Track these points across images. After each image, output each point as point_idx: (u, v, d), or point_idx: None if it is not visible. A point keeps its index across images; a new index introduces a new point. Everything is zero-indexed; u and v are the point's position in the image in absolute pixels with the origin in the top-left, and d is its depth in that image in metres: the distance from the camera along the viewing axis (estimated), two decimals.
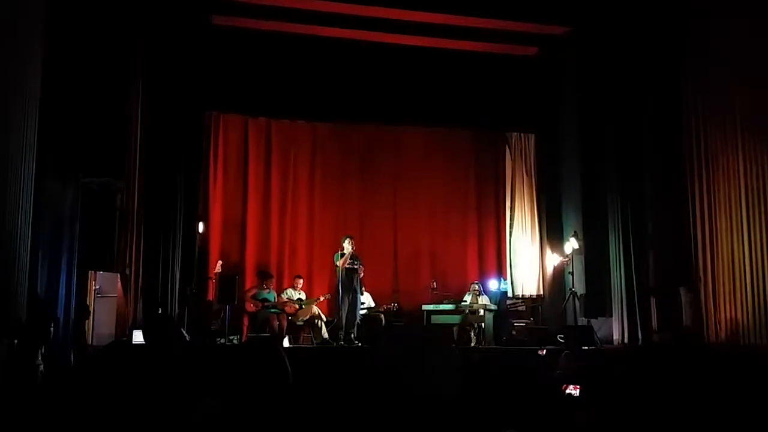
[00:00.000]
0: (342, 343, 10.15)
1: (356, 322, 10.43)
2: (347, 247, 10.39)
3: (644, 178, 10.52)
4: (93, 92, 7.98)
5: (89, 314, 8.29)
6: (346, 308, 10.27)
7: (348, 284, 10.30)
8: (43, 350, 6.24)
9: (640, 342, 9.99)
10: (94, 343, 8.06)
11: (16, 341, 5.65)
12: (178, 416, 2.18)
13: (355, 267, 10.40)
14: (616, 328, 10.49)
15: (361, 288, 10.78)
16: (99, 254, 8.46)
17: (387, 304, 11.48)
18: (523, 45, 12.16)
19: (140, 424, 2.10)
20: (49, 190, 7.11)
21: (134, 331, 8.68)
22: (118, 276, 8.96)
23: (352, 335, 10.29)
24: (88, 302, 8.29)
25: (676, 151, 10.21)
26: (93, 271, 8.48)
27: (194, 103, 11.13)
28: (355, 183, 12.68)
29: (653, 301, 10.15)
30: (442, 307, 10.99)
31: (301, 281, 11.29)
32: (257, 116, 12.27)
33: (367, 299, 11.37)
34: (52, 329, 6.74)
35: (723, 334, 9.28)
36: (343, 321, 10.25)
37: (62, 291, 7.35)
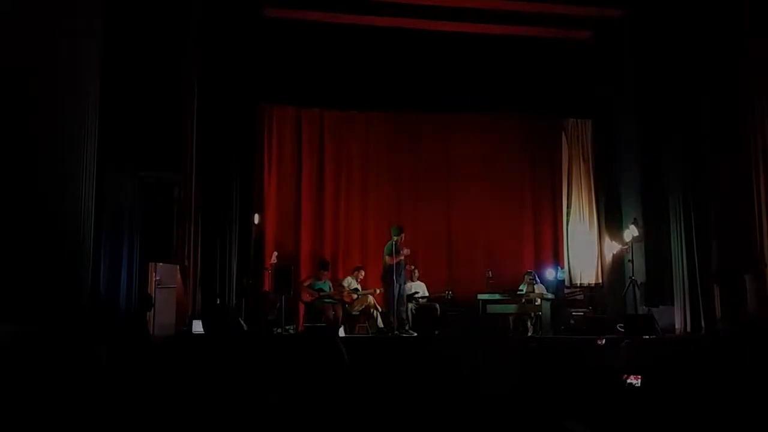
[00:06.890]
0: (396, 332, 10.15)
1: (407, 312, 10.44)
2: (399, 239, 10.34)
3: (706, 162, 10.21)
4: (149, 87, 8.13)
5: (152, 305, 8.47)
6: (396, 299, 10.24)
7: (397, 275, 10.26)
8: (106, 340, 6.40)
9: (703, 331, 9.73)
10: (156, 333, 8.24)
11: (80, 331, 5.80)
12: (239, 404, 2.20)
13: (401, 259, 10.36)
14: (678, 317, 10.24)
15: (413, 276, 10.99)
16: (158, 246, 8.64)
17: (442, 293, 11.41)
18: (577, 29, 11.95)
19: (202, 411, 2.13)
20: (110, 184, 7.29)
21: (194, 321, 8.86)
22: (177, 267, 9.13)
23: (407, 325, 10.29)
24: (149, 292, 8.48)
25: (739, 134, 9.84)
26: (153, 263, 8.67)
27: (248, 95, 11.30)
28: (408, 172, 12.62)
29: (717, 289, 9.86)
30: (498, 296, 10.87)
31: (363, 273, 11.24)
32: (310, 107, 12.33)
33: (421, 288, 11.33)
34: (114, 320, 6.93)
35: None
36: (395, 312, 10.22)
37: (124, 282, 7.54)
